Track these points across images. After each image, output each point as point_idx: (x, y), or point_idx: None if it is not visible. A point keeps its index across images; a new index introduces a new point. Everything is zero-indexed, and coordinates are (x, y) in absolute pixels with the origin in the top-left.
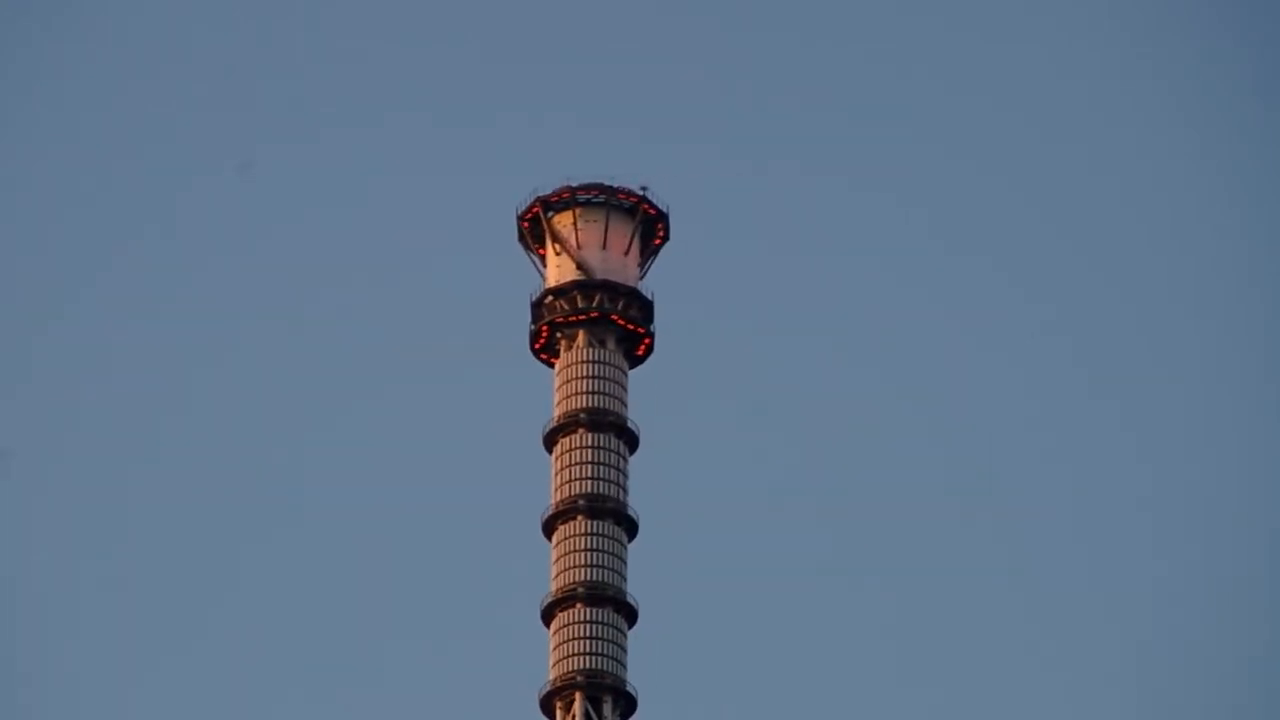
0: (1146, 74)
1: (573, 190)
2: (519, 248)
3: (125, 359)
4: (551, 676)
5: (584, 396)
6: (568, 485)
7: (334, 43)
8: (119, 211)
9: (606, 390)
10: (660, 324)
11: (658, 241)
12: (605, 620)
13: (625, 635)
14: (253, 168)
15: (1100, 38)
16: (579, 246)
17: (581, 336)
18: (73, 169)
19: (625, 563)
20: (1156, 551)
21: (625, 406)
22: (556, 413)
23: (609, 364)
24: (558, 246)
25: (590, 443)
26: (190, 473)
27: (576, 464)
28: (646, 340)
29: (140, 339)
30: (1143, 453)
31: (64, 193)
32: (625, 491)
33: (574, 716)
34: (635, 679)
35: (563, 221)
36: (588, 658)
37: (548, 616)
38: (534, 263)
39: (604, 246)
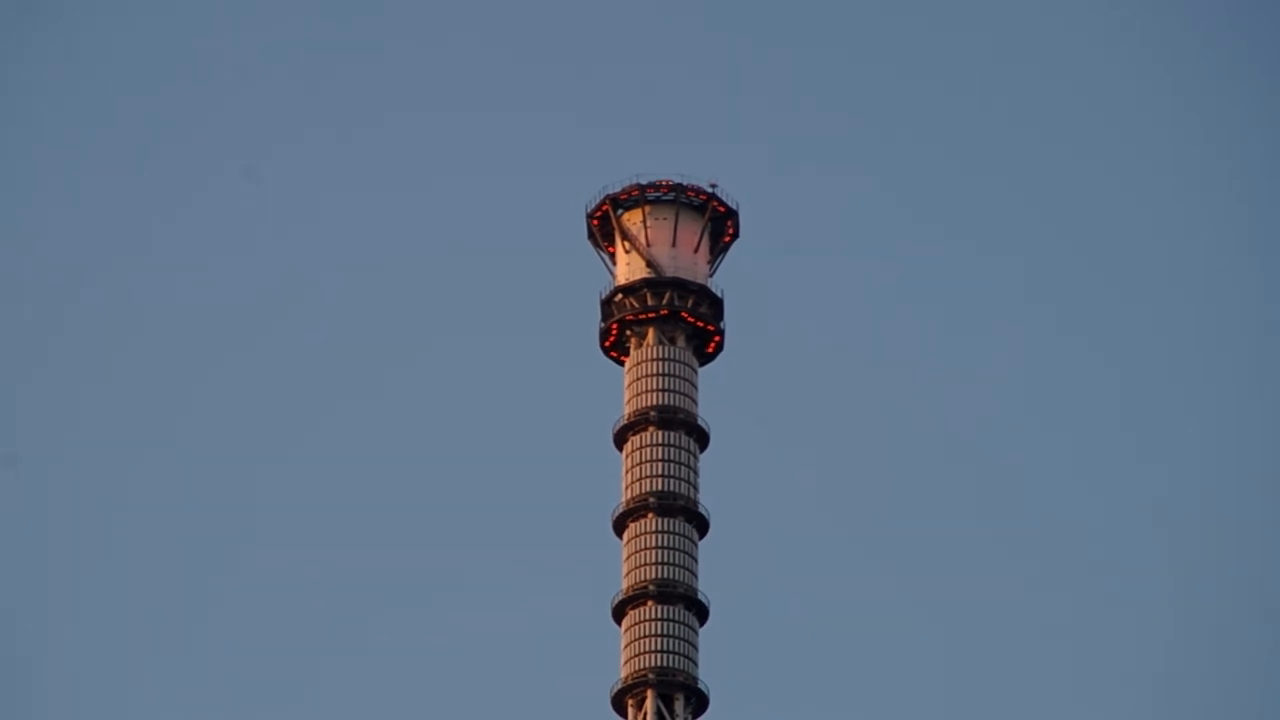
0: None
1: (642, 188)
2: (589, 246)
3: (131, 363)
4: (623, 674)
5: (654, 394)
6: (638, 483)
7: (385, 41)
8: (125, 214)
9: (677, 388)
10: (730, 321)
11: (727, 239)
12: (676, 618)
13: (696, 633)
14: (259, 174)
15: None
16: (648, 244)
17: (651, 334)
18: (78, 172)
19: (696, 560)
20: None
21: (695, 404)
22: (627, 410)
23: (679, 361)
24: (627, 244)
25: (661, 440)
26: (200, 475)
27: (647, 462)
28: (717, 338)
29: (145, 342)
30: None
31: (69, 196)
32: (696, 489)
33: (646, 714)
34: (706, 676)
35: (632, 219)
36: (659, 655)
37: (619, 614)
38: (604, 261)
39: (673, 244)
